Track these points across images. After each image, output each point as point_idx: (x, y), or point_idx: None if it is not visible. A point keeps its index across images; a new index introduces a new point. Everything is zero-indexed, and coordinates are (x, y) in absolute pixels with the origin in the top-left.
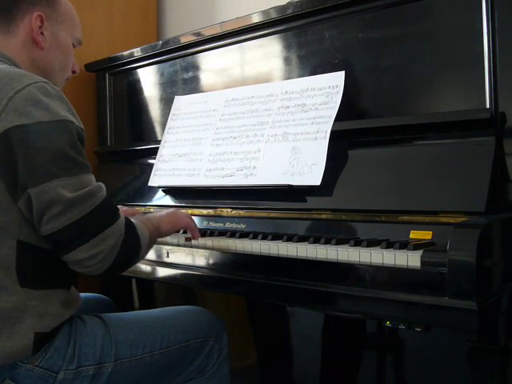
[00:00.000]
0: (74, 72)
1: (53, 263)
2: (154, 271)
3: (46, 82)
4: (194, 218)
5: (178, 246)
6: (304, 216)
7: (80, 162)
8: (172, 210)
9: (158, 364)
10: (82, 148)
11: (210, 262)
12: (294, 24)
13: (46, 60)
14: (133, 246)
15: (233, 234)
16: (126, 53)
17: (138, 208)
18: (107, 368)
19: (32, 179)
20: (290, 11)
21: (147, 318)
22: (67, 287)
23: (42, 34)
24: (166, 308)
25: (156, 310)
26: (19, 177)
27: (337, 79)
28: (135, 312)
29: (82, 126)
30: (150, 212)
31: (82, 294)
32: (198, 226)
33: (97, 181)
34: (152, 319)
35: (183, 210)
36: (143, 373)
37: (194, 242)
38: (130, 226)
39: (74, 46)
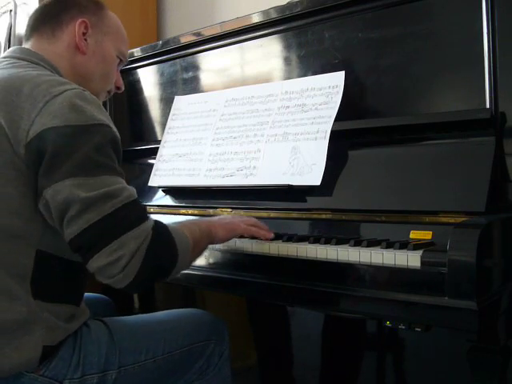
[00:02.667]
0: (118, 88)
1: (68, 276)
2: None
3: (84, 90)
4: (194, 218)
5: None
6: (304, 216)
7: (105, 164)
8: (230, 216)
9: (160, 369)
10: (112, 153)
11: (210, 261)
12: (294, 24)
13: (87, 67)
14: (164, 251)
15: None
16: None
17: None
18: (111, 375)
19: (48, 180)
20: (289, 11)
21: (150, 323)
22: (77, 304)
23: (85, 40)
24: (168, 311)
25: (158, 313)
26: (39, 179)
27: (337, 79)
28: (138, 316)
29: (118, 135)
30: (150, 212)
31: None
32: None
33: None
34: (154, 324)
35: (183, 210)
36: (146, 378)
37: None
38: (161, 229)
39: (120, 62)
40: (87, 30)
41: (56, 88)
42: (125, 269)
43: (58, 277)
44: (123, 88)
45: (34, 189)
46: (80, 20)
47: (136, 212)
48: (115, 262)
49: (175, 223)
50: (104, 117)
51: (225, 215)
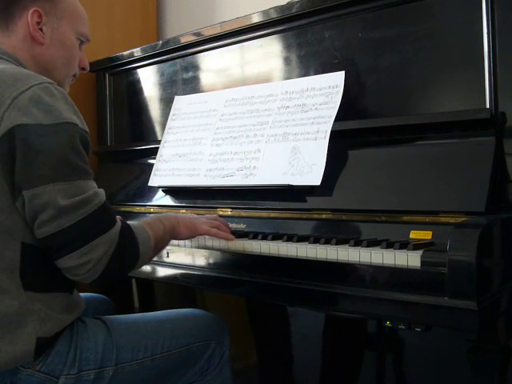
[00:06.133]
0: (83, 69)
1: (55, 266)
2: (154, 271)
3: (50, 83)
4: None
5: (178, 246)
6: (304, 216)
7: (79, 167)
8: (194, 215)
9: (158, 368)
10: (84, 152)
11: (210, 261)
12: (294, 24)
13: (47, 56)
14: (128, 254)
15: (233, 233)
16: (126, 53)
17: (137, 208)
18: (108, 372)
19: (27, 181)
20: (289, 11)
21: (149, 322)
22: (70, 291)
23: (41, 29)
24: (168, 311)
25: (158, 312)
26: (16, 177)
27: (337, 79)
28: (137, 315)
29: (87, 129)
30: (150, 212)
31: (81, 294)
32: None
33: (97, 181)
34: (154, 322)
35: (183, 210)
36: (144, 376)
37: (193, 241)
38: (126, 232)
39: (82, 42)
40: (41, 19)
41: (23, 83)
42: (89, 271)
43: (45, 267)
44: (88, 68)
45: (9, 183)
46: (32, 10)
47: (106, 217)
48: (83, 264)
49: (143, 219)
50: (71, 113)
51: (190, 214)
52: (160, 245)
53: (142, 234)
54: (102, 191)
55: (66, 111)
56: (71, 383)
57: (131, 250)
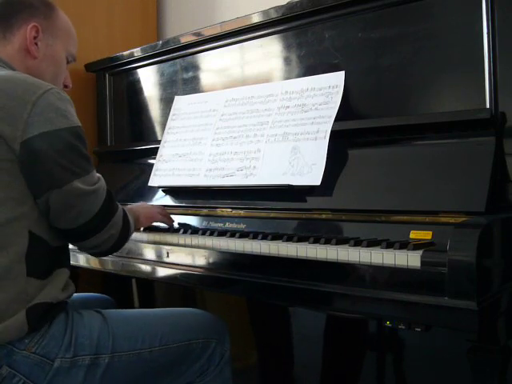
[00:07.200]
0: (66, 86)
1: (54, 255)
2: (154, 271)
3: (56, 88)
4: (193, 217)
5: (178, 245)
6: (304, 216)
7: (90, 160)
8: (147, 205)
9: (157, 361)
10: (87, 146)
11: (210, 261)
12: (293, 24)
13: (38, 69)
14: (127, 227)
15: (233, 234)
16: (126, 53)
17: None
18: (104, 359)
19: (58, 180)
20: (289, 11)
21: (147, 315)
22: (67, 273)
23: (36, 44)
24: (168, 308)
25: (157, 309)
26: (45, 177)
27: (337, 79)
28: (135, 309)
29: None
30: None
31: (83, 294)
32: (198, 226)
33: None
34: (152, 317)
35: (183, 210)
36: (142, 369)
37: (193, 241)
38: (125, 210)
39: (68, 62)
40: (38, 34)
41: (36, 86)
42: (109, 245)
43: (47, 255)
44: (71, 86)
45: (30, 180)
46: (32, 25)
47: (113, 198)
48: (106, 240)
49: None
50: (75, 115)
51: (145, 204)
52: (133, 230)
53: (130, 217)
54: (100, 176)
55: (73, 115)
56: (66, 367)
57: (129, 228)
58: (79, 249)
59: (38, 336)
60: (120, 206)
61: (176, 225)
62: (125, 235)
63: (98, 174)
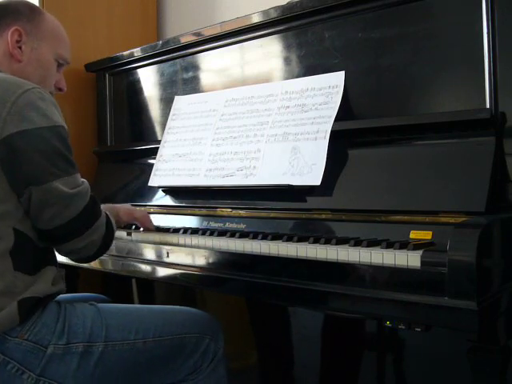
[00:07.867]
0: (60, 89)
1: (41, 253)
2: (153, 271)
3: (39, 88)
4: (193, 217)
5: (178, 245)
6: (304, 216)
7: (73, 162)
8: (127, 205)
9: (150, 353)
10: (71, 149)
11: (210, 261)
12: (293, 24)
13: (24, 73)
14: (111, 234)
15: (233, 234)
16: (126, 53)
17: (138, 208)
18: (98, 347)
19: (37, 178)
20: (289, 11)
21: (141, 309)
22: (54, 269)
23: (19, 48)
24: (163, 305)
25: (153, 305)
26: (24, 175)
27: (337, 79)
28: (130, 304)
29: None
30: (150, 212)
31: (82, 294)
32: (198, 225)
33: (97, 181)
34: (146, 311)
35: (183, 210)
36: (136, 359)
37: (193, 241)
38: (108, 217)
39: (60, 65)
40: (21, 38)
41: (17, 86)
42: (91, 251)
43: (33, 251)
44: (65, 89)
45: (10, 179)
46: (13, 28)
47: (97, 203)
48: (87, 245)
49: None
50: (58, 115)
51: (125, 204)
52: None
53: (112, 220)
54: (86, 181)
55: (56, 115)
56: (60, 353)
57: (112, 232)
58: (59, 253)
59: (29, 323)
60: (104, 213)
61: (176, 225)
62: (107, 242)
63: (82, 179)
